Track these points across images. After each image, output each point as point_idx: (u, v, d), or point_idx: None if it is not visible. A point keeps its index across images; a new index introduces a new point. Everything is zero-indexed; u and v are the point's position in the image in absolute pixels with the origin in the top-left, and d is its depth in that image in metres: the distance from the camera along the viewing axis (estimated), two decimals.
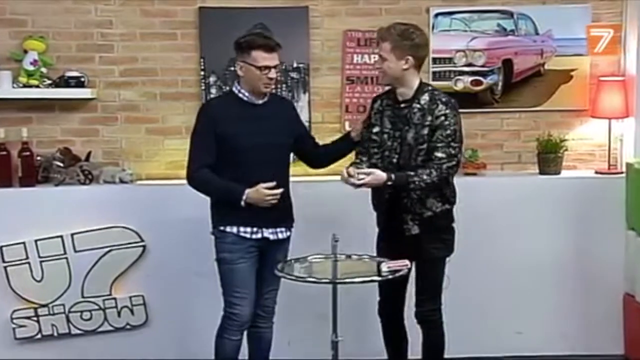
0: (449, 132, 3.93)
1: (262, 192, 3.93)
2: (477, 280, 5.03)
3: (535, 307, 5.15)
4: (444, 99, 3.99)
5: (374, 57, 4.87)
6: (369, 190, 4.14)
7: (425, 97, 3.98)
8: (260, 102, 4.08)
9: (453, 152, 3.94)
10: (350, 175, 3.91)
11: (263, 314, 4.24)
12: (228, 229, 4.05)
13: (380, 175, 3.89)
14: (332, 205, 4.85)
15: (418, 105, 3.98)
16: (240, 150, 3.99)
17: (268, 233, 4.08)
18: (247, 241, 4.05)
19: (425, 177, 3.90)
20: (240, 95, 4.08)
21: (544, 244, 5.12)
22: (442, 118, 3.93)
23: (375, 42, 4.23)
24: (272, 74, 3.99)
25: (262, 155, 4.00)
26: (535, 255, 5.11)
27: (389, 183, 3.90)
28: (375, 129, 4.10)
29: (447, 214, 4.10)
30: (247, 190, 3.93)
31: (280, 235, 4.14)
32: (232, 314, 4.08)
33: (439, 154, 3.91)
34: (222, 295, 4.12)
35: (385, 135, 4.05)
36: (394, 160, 4.02)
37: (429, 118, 3.95)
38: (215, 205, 4.15)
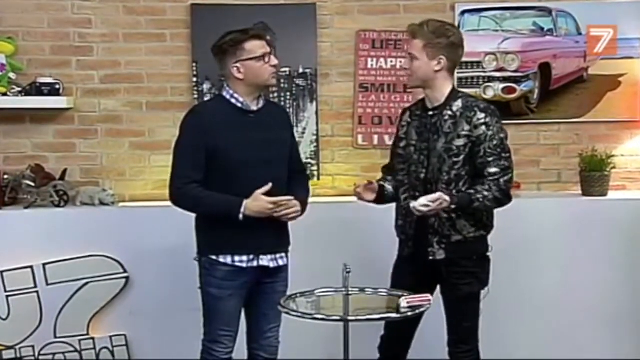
0: (495, 142, 3.80)
1: (262, 199, 3.73)
2: (513, 318, 4.86)
3: (582, 348, 4.92)
4: (482, 106, 3.87)
5: (391, 62, 5.01)
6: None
7: (458, 104, 3.85)
8: (255, 108, 3.88)
9: (507, 163, 3.82)
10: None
11: (266, 355, 4.05)
12: (221, 258, 3.83)
13: (444, 199, 3.70)
14: (336, 230, 4.77)
15: (450, 113, 3.84)
16: (234, 165, 3.78)
17: (267, 261, 3.89)
18: (242, 274, 3.85)
19: (486, 193, 3.77)
20: (233, 100, 3.86)
21: (590, 276, 4.90)
22: (484, 128, 3.79)
23: (405, 40, 4.32)
24: (274, 60, 3.86)
25: (259, 172, 3.79)
26: (579, 289, 4.90)
27: (452, 206, 3.73)
28: (402, 143, 3.99)
29: (480, 241, 3.90)
30: (246, 201, 3.74)
31: (280, 262, 3.95)
32: (212, 350, 3.94)
33: (492, 170, 3.79)
34: (203, 326, 3.95)
35: (412, 148, 3.93)
36: (422, 176, 3.88)
37: (466, 127, 3.81)
38: (204, 228, 3.91)
